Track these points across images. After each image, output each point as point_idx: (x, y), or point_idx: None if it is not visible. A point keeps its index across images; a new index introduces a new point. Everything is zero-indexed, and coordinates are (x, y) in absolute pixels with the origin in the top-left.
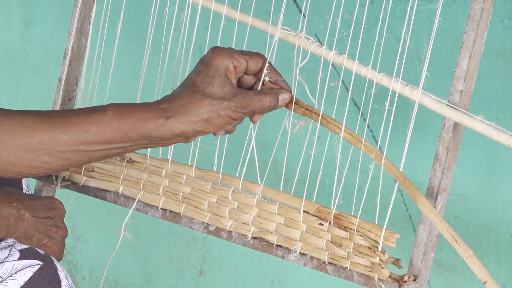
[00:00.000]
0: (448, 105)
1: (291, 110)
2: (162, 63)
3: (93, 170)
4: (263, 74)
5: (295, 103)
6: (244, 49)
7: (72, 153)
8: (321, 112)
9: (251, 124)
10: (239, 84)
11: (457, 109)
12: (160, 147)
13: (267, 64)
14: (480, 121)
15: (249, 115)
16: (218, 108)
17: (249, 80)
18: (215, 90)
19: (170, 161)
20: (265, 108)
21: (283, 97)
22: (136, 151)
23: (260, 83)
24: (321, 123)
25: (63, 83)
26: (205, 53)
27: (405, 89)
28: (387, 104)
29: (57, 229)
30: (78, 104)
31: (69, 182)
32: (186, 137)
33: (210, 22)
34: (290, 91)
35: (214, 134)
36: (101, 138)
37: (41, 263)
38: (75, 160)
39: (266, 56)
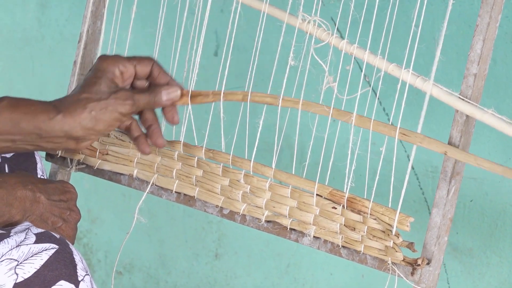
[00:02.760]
0: (459, 97)
1: (188, 104)
2: (176, 46)
3: (107, 154)
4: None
5: (197, 95)
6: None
7: None
8: (222, 91)
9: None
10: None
11: (469, 102)
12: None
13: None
14: (491, 115)
15: (137, 108)
16: (104, 102)
17: (141, 84)
18: (101, 88)
19: (182, 142)
20: (148, 100)
21: (167, 90)
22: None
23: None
24: (236, 100)
25: (78, 66)
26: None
27: (416, 80)
28: (398, 86)
29: (70, 212)
30: None
31: (84, 165)
32: (76, 140)
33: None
34: (180, 87)
35: (143, 152)
36: None
37: (56, 246)
38: None
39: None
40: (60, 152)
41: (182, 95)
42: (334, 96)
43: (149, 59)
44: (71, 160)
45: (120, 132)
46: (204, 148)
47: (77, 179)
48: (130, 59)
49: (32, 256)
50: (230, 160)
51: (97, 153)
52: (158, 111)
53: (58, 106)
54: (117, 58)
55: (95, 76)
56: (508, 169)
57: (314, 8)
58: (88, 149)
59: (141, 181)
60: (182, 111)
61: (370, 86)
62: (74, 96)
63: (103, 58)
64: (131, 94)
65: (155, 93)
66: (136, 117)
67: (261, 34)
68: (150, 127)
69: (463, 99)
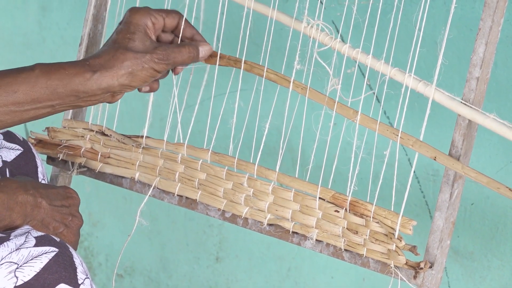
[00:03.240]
0: (461, 102)
1: (215, 64)
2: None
3: (109, 157)
4: (181, 29)
5: (214, 56)
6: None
7: (3, 115)
8: (243, 59)
9: (271, 111)
10: (159, 42)
11: (470, 107)
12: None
13: (183, 20)
14: (493, 119)
15: (171, 66)
16: (141, 60)
17: (167, 38)
18: (136, 44)
19: (186, 145)
20: (186, 58)
21: (203, 48)
22: (63, 111)
23: (180, 38)
24: (245, 70)
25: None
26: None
27: (418, 85)
28: (402, 90)
29: (72, 218)
30: None
31: (85, 169)
32: (112, 94)
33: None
34: (209, 45)
35: (139, 90)
36: (30, 97)
37: (56, 250)
38: (6, 122)
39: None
40: (61, 155)
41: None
42: (338, 96)
43: (176, 12)
44: (72, 163)
45: (122, 135)
46: (210, 151)
47: (78, 182)
48: (159, 11)
49: (32, 259)
50: (235, 164)
51: (99, 156)
52: None
53: (94, 65)
54: (148, 9)
55: (128, 31)
56: (493, 180)
57: (317, 12)
58: (89, 152)
59: (143, 184)
60: (186, 114)
61: (372, 90)
62: (109, 52)
63: (135, 10)
64: (167, 53)
65: (193, 50)
66: None
67: (268, 37)
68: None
69: (465, 104)
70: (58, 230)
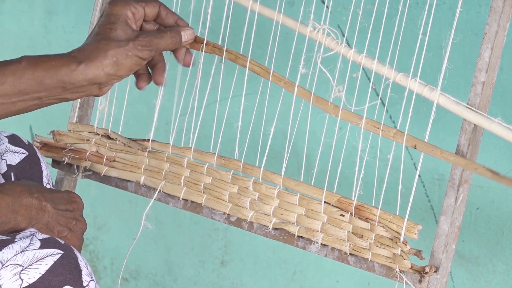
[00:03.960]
0: (467, 107)
1: (200, 51)
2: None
3: (114, 160)
4: (163, 16)
5: (199, 42)
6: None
7: None
8: (224, 47)
9: (276, 114)
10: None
11: (476, 111)
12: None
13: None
14: (499, 124)
15: (155, 52)
16: (124, 49)
17: (150, 27)
18: (118, 34)
19: (192, 149)
20: (169, 43)
21: (185, 32)
22: (51, 104)
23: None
24: (230, 59)
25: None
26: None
27: (424, 89)
28: (405, 94)
29: (76, 222)
30: None
31: (90, 172)
32: (99, 85)
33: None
34: (192, 29)
35: (137, 86)
36: (17, 89)
37: (61, 252)
38: None
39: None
40: (66, 159)
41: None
42: (342, 104)
43: (155, 1)
44: (78, 167)
45: (128, 139)
46: (216, 155)
47: (83, 185)
48: (138, 1)
49: (36, 262)
50: (241, 167)
51: (104, 160)
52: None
53: (78, 56)
54: (127, 0)
55: (109, 22)
56: (470, 162)
57: (322, 17)
58: (94, 156)
59: (148, 188)
60: (191, 118)
61: (377, 94)
62: (93, 44)
63: (114, 2)
64: (150, 39)
65: (175, 35)
66: None
67: (273, 41)
68: (155, 65)
69: (470, 108)
70: (62, 234)
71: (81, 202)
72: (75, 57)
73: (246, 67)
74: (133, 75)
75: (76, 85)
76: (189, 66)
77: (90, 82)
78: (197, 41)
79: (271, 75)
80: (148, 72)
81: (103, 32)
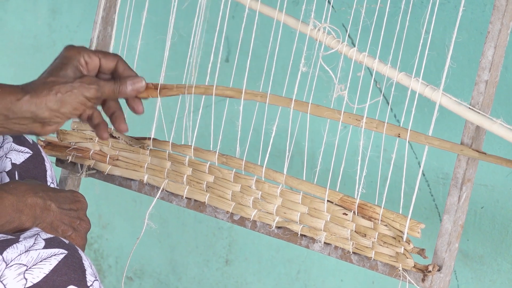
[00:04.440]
0: (468, 107)
1: (167, 95)
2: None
3: (117, 159)
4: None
5: (162, 88)
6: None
7: None
8: (193, 85)
9: (278, 113)
10: None
11: (478, 112)
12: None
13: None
14: (500, 125)
15: (100, 93)
16: (70, 85)
17: (106, 78)
18: (67, 73)
19: (193, 146)
20: (113, 88)
21: (132, 81)
22: None
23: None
24: (200, 93)
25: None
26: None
27: (425, 89)
28: (408, 94)
29: (80, 222)
30: None
31: (94, 171)
32: (42, 122)
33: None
34: (141, 78)
35: (101, 138)
36: None
37: (66, 252)
38: None
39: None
40: (70, 157)
41: (146, 87)
42: (344, 103)
43: (115, 55)
44: (81, 165)
45: (130, 137)
46: (217, 153)
47: (87, 184)
48: (96, 51)
49: (41, 261)
50: (243, 166)
51: (107, 158)
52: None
53: (25, 88)
54: (83, 48)
55: (61, 63)
56: (455, 144)
57: (324, 15)
58: (98, 155)
59: (151, 186)
60: (194, 117)
61: (381, 93)
62: (41, 79)
63: (70, 47)
64: (96, 79)
65: (120, 83)
66: (99, 107)
67: (276, 40)
68: (113, 114)
69: (472, 109)
70: (66, 233)
71: (85, 201)
72: (22, 88)
73: (214, 95)
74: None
75: (19, 115)
76: (137, 113)
77: (33, 115)
78: (158, 88)
79: (243, 94)
80: (104, 121)
81: (53, 71)
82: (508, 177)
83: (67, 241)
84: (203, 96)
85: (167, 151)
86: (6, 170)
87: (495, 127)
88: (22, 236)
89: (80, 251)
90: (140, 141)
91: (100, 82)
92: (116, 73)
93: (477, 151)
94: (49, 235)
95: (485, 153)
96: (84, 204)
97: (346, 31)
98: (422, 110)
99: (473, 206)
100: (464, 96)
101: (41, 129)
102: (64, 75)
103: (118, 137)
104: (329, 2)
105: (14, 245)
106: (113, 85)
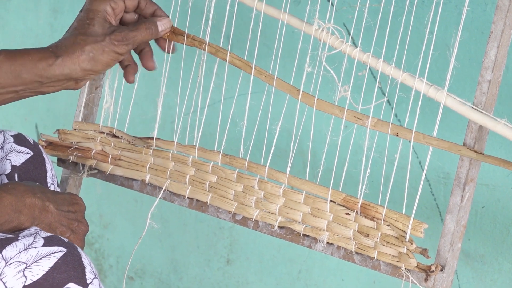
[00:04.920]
0: (472, 107)
1: (181, 43)
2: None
3: (119, 159)
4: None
5: (180, 34)
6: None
7: None
8: (207, 41)
9: (282, 113)
10: (123, 23)
11: (481, 112)
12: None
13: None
14: (504, 125)
15: (132, 46)
16: (101, 44)
17: (131, 17)
18: (96, 29)
19: (197, 147)
20: (145, 35)
21: (161, 22)
22: (26, 97)
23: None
24: (210, 52)
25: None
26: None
27: (429, 89)
28: (412, 94)
29: (78, 224)
30: (106, 92)
31: (95, 171)
32: (75, 80)
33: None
34: (168, 18)
35: (127, 80)
36: None
37: (65, 249)
38: None
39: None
40: (71, 157)
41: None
42: (347, 104)
43: None
44: (83, 165)
45: (133, 137)
46: (221, 153)
47: (89, 184)
48: None
49: (40, 259)
50: (246, 166)
51: (109, 158)
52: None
53: (56, 51)
54: None
55: (88, 17)
56: (454, 144)
57: (328, 15)
58: (100, 154)
59: (153, 186)
60: (196, 117)
61: (384, 94)
62: (70, 38)
63: None
64: (126, 33)
65: (150, 26)
66: None
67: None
68: (142, 51)
69: (476, 109)
70: (65, 235)
71: (83, 204)
72: (52, 51)
73: (226, 61)
74: (121, 68)
75: (53, 79)
76: (173, 53)
77: (67, 77)
78: (176, 33)
79: (253, 68)
80: (134, 62)
81: (81, 27)
82: (509, 177)
83: (66, 239)
84: (208, 96)
85: (171, 151)
86: (6, 173)
87: (499, 127)
88: (21, 235)
89: (79, 249)
90: (143, 140)
91: (130, 34)
92: (139, 9)
93: (475, 151)
94: (48, 234)
95: (483, 154)
96: (82, 206)
97: (348, 31)
98: (423, 109)
99: (474, 205)
100: (465, 96)
101: (75, 85)
102: (92, 32)
103: (121, 136)
104: (331, 3)
105: (14, 243)
106: (144, 32)
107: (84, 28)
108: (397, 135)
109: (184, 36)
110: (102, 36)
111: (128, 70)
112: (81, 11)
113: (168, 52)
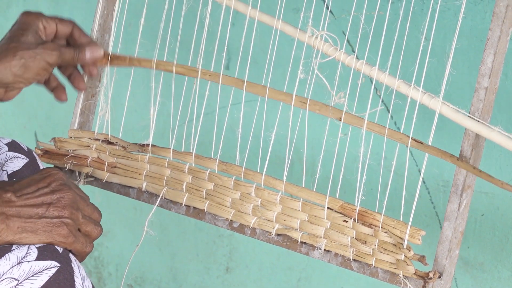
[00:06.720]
0: (466, 115)
1: (122, 66)
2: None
3: (116, 166)
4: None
5: (116, 58)
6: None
7: None
8: (154, 60)
9: (277, 120)
10: None
11: (476, 120)
12: None
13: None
14: (498, 133)
15: (61, 60)
16: (33, 51)
17: (62, 44)
18: (29, 39)
19: (193, 154)
20: (74, 56)
21: (91, 49)
22: None
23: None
24: (139, 65)
25: (86, 79)
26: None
27: (424, 97)
28: (408, 102)
29: (56, 193)
30: (101, 100)
31: (92, 178)
32: (5, 87)
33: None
34: (99, 46)
35: (59, 99)
36: None
37: (58, 265)
38: None
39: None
40: (68, 165)
41: (104, 55)
42: (344, 109)
43: (70, 20)
44: (79, 173)
45: (127, 142)
46: (217, 160)
47: (88, 192)
48: (52, 17)
49: (32, 276)
50: (243, 173)
51: (106, 166)
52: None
53: None
54: (40, 13)
55: (21, 28)
56: (444, 152)
57: (322, 22)
58: (96, 162)
59: (150, 194)
60: (192, 125)
61: (380, 100)
62: (3, 45)
63: (27, 12)
64: (57, 46)
65: (80, 50)
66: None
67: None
68: (71, 75)
69: (470, 117)
70: (44, 214)
71: (57, 173)
72: None
73: (172, 72)
74: (50, 91)
75: None
76: (90, 76)
77: None
78: (113, 58)
79: (199, 72)
80: (60, 83)
81: (14, 37)
82: None
83: (60, 250)
84: (203, 103)
85: (167, 158)
86: None
87: (493, 134)
88: (14, 245)
89: (74, 264)
90: (137, 146)
91: (62, 48)
92: (72, 39)
93: (466, 162)
94: (41, 244)
95: (473, 167)
96: (56, 175)
97: (347, 39)
98: (421, 116)
99: (474, 213)
100: (464, 103)
101: (4, 94)
102: (25, 40)
103: (116, 142)
104: (330, 11)
105: (7, 255)
106: (73, 52)
107: (17, 37)
108: (390, 138)
109: (125, 59)
110: (35, 45)
111: (57, 91)
112: (13, 25)
113: (90, 76)
